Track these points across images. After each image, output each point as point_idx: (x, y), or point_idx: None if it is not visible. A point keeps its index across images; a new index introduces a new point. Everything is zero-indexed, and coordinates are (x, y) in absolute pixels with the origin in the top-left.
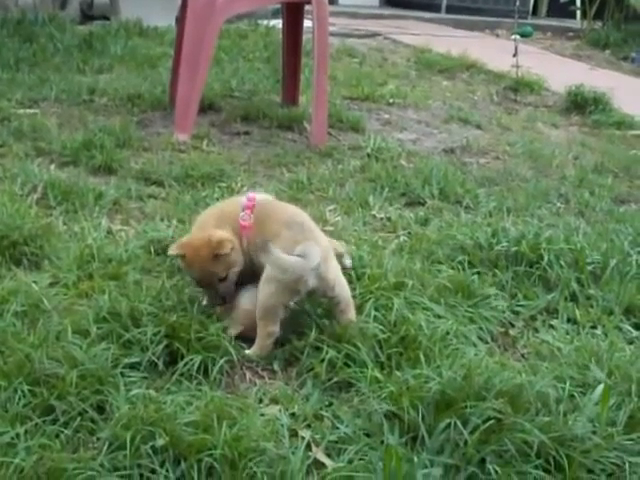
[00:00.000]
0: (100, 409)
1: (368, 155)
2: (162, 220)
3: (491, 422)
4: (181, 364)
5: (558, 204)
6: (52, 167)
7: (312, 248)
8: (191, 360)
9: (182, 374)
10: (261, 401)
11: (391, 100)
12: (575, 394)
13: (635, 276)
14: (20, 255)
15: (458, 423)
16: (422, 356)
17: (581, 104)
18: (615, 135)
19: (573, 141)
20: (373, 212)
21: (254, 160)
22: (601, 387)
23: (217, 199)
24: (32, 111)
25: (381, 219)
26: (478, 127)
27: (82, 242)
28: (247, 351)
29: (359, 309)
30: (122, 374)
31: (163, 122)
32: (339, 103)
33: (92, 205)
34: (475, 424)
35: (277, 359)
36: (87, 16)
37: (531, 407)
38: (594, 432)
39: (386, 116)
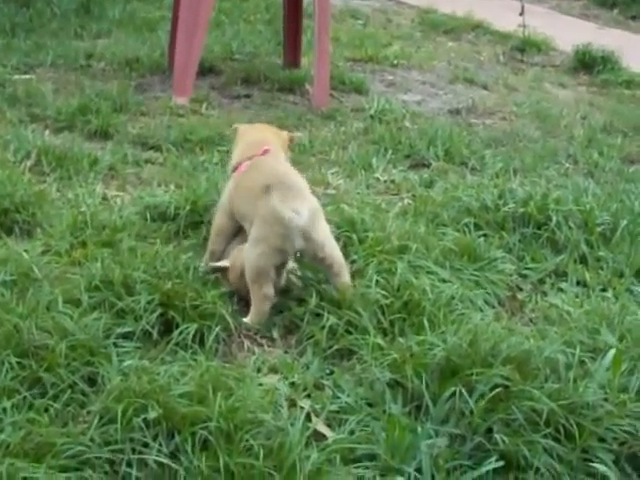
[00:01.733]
0: (91, 381)
1: (371, 117)
2: (159, 185)
3: (498, 390)
4: (176, 333)
5: (566, 164)
6: (46, 133)
7: (302, 206)
8: (186, 329)
9: (177, 343)
10: (259, 370)
11: (395, 61)
12: (585, 359)
13: None
14: (12, 223)
15: (463, 391)
16: (426, 322)
17: (589, 64)
18: (624, 94)
19: (581, 101)
20: (376, 175)
21: (255, 122)
22: (612, 352)
23: (216, 164)
24: (27, 77)
25: (384, 182)
26: (484, 88)
27: (76, 209)
28: (245, 319)
29: (361, 273)
30: (114, 344)
31: (162, 86)
32: (342, 65)
33: (87, 171)
34: (481, 392)
35: (276, 326)
36: None
37: (540, 374)
38: (605, 399)
39: (390, 77)
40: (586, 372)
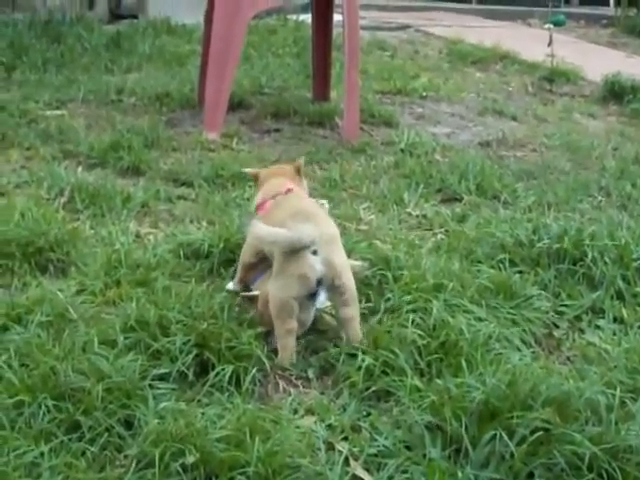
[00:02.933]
0: (128, 424)
1: (402, 150)
2: (192, 222)
3: (539, 433)
4: (212, 374)
5: (599, 197)
6: (79, 170)
7: (305, 226)
8: (222, 370)
9: (213, 385)
10: (296, 412)
11: (424, 93)
12: (626, 400)
13: None
14: (46, 262)
15: (503, 434)
16: (464, 363)
17: (619, 93)
18: None
19: (612, 131)
20: (408, 209)
21: (285, 158)
22: None
23: (247, 199)
24: (59, 112)
25: (417, 216)
26: (514, 119)
27: (109, 247)
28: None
29: (396, 312)
30: (150, 386)
31: (192, 121)
32: (371, 97)
33: (120, 208)
34: (522, 435)
35: (312, 367)
36: (115, 15)
37: (580, 416)
38: None
39: (419, 110)
40: (627, 414)
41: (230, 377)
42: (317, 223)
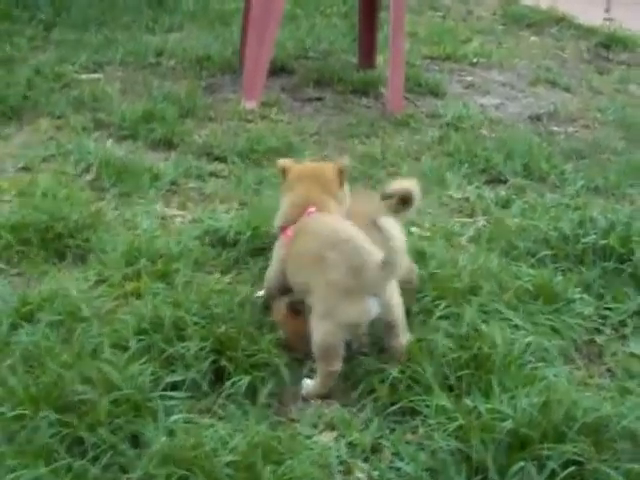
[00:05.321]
0: (134, 441)
1: (447, 124)
2: (222, 203)
3: (571, 469)
4: (228, 384)
5: None
6: (109, 142)
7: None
8: (239, 380)
9: (229, 396)
10: (315, 426)
11: (475, 59)
12: None
13: None
14: (64, 248)
15: (533, 467)
16: (494, 381)
17: None
18: None
19: None
20: (450, 192)
21: (325, 130)
22: None
23: None
24: (95, 76)
25: (458, 200)
26: (567, 90)
27: (132, 232)
28: (307, 381)
29: (428, 316)
30: (161, 397)
31: (232, 87)
32: (418, 64)
33: (147, 187)
34: (552, 468)
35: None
36: None
37: (617, 447)
38: None
39: (469, 78)
40: None
41: (247, 388)
42: (363, 254)
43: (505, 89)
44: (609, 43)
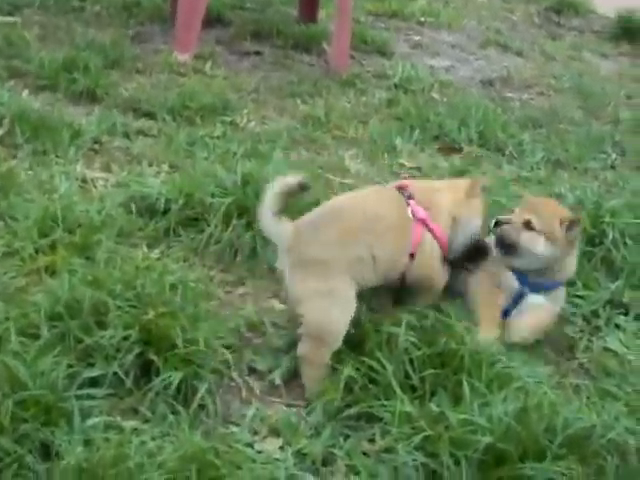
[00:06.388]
0: (44, 451)
1: (395, 85)
2: (150, 165)
3: None
4: (157, 381)
5: (613, 155)
6: (25, 93)
7: None
8: (169, 377)
9: (157, 394)
10: (257, 432)
11: (422, 18)
12: None
13: None
14: None
15: None
16: (464, 383)
17: (632, 31)
18: None
19: (625, 75)
20: (401, 160)
21: (264, 87)
22: None
23: (217, 138)
24: (11, 19)
25: (410, 169)
26: (519, 54)
27: (48, 197)
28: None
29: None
30: (77, 397)
31: (163, 37)
32: (363, 20)
33: (67, 144)
34: None
35: (279, 368)
36: None
37: (605, 463)
38: None
39: (416, 37)
40: None
41: (178, 386)
42: None
43: (455, 51)
44: (560, 8)
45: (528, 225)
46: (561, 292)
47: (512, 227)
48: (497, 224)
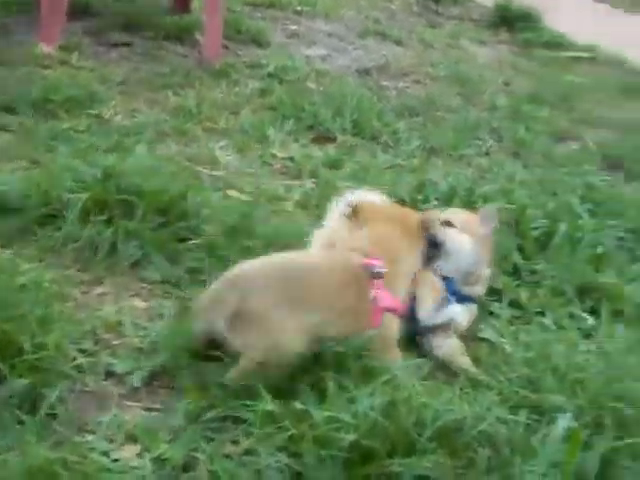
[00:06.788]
0: None
1: (270, 75)
2: (9, 161)
3: None
4: (1, 390)
5: (490, 141)
6: None
7: None
8: (15, 384)
9: (1, 403)
10: (113, 440)
11: (299, 7)
12: (529, 422)
13: (588, 245)
14: None
15: None
16: (328, 379)
17: (510, 19)
18: (548, 57)
19: (503, 62)
20: (273, 150)
21: (133, 79)
22: (566, 419)
23: (82, 131)
24: None
25: (283, 159)
26: (397, 43)
27: None
28: None
29: None
30: None
31: (27, 27)
32: (239, 10)
33: None
34: None
35: (139, 371)
36: None
37: (476, 455)
38: None
39: (293, 27)
40: (532, 449)
41: (25, 394)
42: None
43: (332, 40)
44: None
45: (449, 224)
46: (474, 310)
47: (436, 227)
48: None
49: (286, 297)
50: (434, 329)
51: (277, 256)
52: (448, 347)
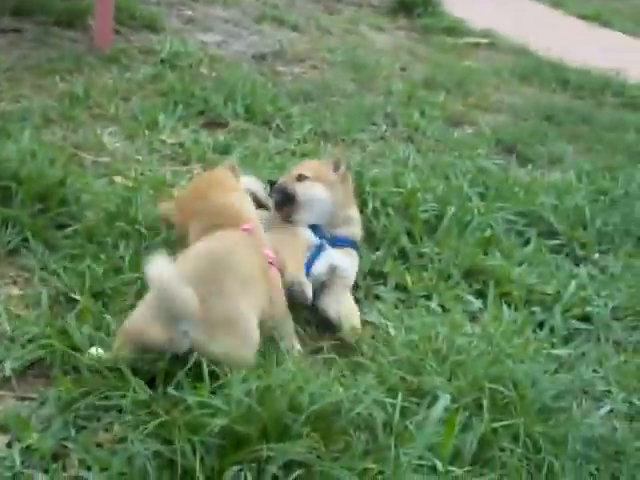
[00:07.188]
0: None
1: (162, 61)
2: None
3: (297, 472)
4: None
5: (384, 126)
6: None
7: None
8: None
9: None
10: None
11: None
12: (408, 405)
13: (477, 228)
14: None
15: (250, 472)
16: (203, 365)
17: (409, 5)
18: (446, 43)
19: (400, 48)
20: (162, 136)
21: (21, 66)
22: (443, 403)
23: None
24: None
25: (172, 145)
26: (294, 29)
27: None
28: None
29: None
30: None
31: None
32: None
33: None
34: (273, 474)
35: (11, 359)
36: None
37: (351, 439)
38: (434, 468)
39: (189, 13)
40: (409, 432)
41: None
42: None
43: (228, 26)
44: None
45: (301, 177)
46: (355, 255)
47: (287, 182)
48: (271, 184)
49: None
50: (324, 287)
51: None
52: (341, 306)
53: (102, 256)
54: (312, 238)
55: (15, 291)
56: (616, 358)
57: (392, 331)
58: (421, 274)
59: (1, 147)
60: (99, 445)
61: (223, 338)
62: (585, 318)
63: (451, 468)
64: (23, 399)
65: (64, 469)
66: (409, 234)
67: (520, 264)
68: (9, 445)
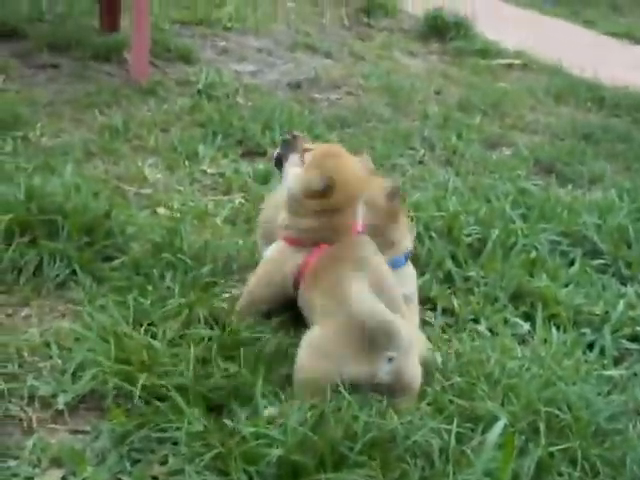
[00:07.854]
0: None
1: (199, 92)
2: None
3: None
4: None
5: (422, 150)
6: None
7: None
8: None
9: None
10: (38, 464)
11: (229, 24)
12: (463, 432)
13: (521, 250)
14: None
15: None
16: (257, 392)
17: (441, 29)
18: (479, 65)
19: (434, 72)
20: (203, 167)
21: (60, 100)
22: (500, 426)
23: (7, 154)
24: None
25: (212, 175)
26: (327, 56)
27: None
28: None
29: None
30: None
31: None
32: (167, 28)
33: None
34: None
35: (64, 393)
36: None
37: (409, 465)
38: None
39: (222, 43)
40: (466, 457)
41: None
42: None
43: (262, 55)
44: (369, 9)
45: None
46: (410, 270)
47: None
48: None
49: None
50: None
51: None
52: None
53: (149, 287)
54: None
55: (65, 324)
56: None
57: (441, 356)
58: (468, 298)
59: (45, 181)
60: (154, 478)
61: (414, 359)
62: (635, 338)
63: None
64: (77, 432)
65: None
66: (453, 258)
67: (566, 285)
68: (64, 479)
